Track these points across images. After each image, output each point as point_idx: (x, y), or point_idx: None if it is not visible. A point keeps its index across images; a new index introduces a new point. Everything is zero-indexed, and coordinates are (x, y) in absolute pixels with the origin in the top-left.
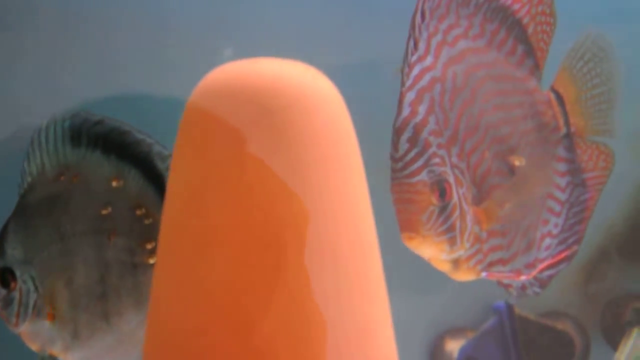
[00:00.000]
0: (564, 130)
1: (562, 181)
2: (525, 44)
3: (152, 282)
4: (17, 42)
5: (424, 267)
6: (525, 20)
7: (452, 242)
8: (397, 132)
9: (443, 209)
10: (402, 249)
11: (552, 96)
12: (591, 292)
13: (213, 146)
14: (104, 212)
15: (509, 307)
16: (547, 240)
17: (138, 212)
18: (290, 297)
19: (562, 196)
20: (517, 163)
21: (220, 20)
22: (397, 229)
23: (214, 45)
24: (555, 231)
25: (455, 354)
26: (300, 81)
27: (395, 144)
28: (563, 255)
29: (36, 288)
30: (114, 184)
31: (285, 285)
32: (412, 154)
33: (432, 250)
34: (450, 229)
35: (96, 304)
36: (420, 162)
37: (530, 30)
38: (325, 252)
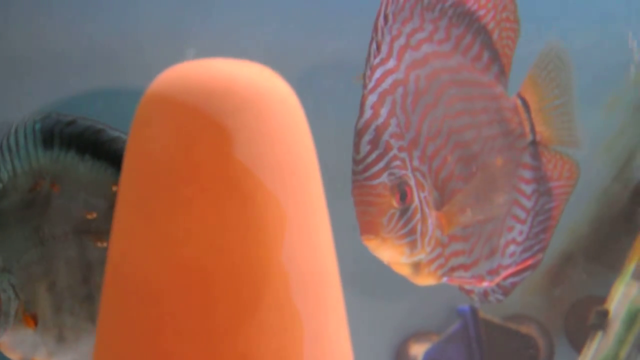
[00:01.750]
0: (529, 137)
1: (528, 188)
2: (491, 49)
3: (102, 295)
4: None
5: (387, 271)
6: (490, 26)
7: (412, 245)
8: (359, 134)
9: (404, 212)
10: (366, 254)
11: (519, 102)
12: (555, 295)
13: (163, 148)
14: (89, 216)
15: (474, 311)
16: (512, 247)
17: None
18: (232, 307)
19: (528, 204)
20: (498, 163)
21: (185, 20)
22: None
23: (177, 45)
24: (519, 238)
25: (420, 358)
26: (255, 82)
27: (356, 146)
28: (527, 263)
29: (17, 295)
30: (114, 188)
31: (230, 292)
32: (373, 156)
33: (391, 253)
34: (411, 233)
35: (81, 305)
36: (381, 165)
37: (495, 36)
38: (277, 257)
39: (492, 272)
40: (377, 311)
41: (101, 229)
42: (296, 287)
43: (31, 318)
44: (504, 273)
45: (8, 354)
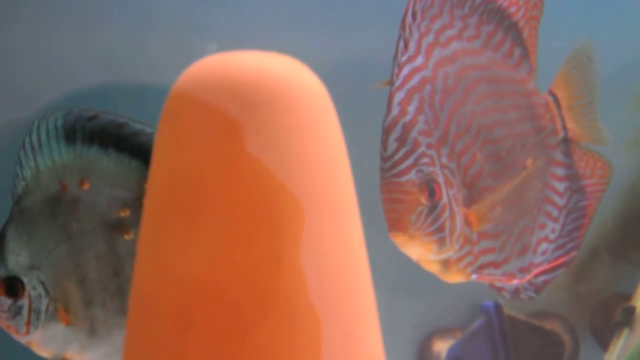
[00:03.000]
0: (561, 134)
1: (560, 186)
2: (522, 46)
3: (132, 286)
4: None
5: (412, 267)
6: (521, 24)
7: (441, 242)
8: (386, 132)
9: (432, 209)
10: (391, 250)
11: (550, 99)
12: (581, 292)
13: (194, 141)
14: (122, 214)
15: (498, 307)
16: (544, 245)
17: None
18: (270, 301)
19: (560, 201)
20: (527, 163)
21: (206, 14)
22: (387, 229)
23: (199, 40)
24: (552, 236)
25: (444, 354)
26: (284, 75)
27: (384, 143)
28: (560, 261)
29: (47, 292)
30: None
31: (266, 286)
32: (400, 153)
33: (420, 250)
34: (439, 230)
35: (112, 299)
36: (409, 162)
37: (525, 33)
38: (307, 250)
39: (524, 270)
40: (401, 307)
41: (128, 222)
42: (317, 285)
43: (63, 313)
44: (536, 271)
45: (39, 352)
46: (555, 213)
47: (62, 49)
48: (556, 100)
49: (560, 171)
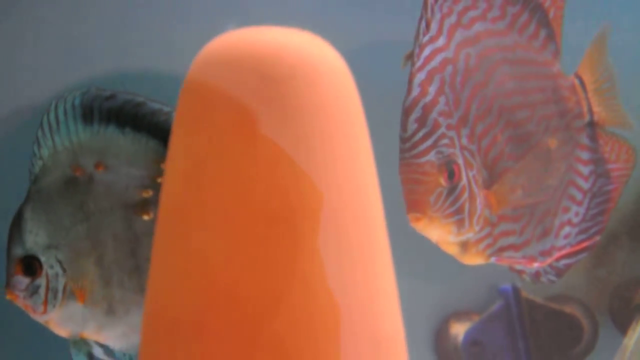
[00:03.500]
0: (587, 117)
1: (585, 170)
2: (547, 28)
3: (150, 266)
4: (19, 25)
5: (429, 249)
6: (546, 5)
7: (460, 224)
8: (406, 112)
9: (451, 190)
10: (408, 231)
11: (576, 82)
12: (600, 275)
13: (214, 117)
14: (145, 194)
15: (516, 290)
16: (567, 229)
17: (160, 181)
18: (287, 279)
19: (585, 185)
20: (553, 145)
21: None
22: (404, 210)
23: (216, 20)
24: (575, 220)
25: (461, 337)
26: (306, 50)
27: (403, 124)
28: (583, 245)
29: (64, 271)
30: (162, 166)
31: (284, 263)
32: (420, 134)
33: (439, 232)
34: (459, 211)
35: (130, 278)
36: (428, 143)
37: (551, 14)
38: (328, 227)
39: (545, 253)
40: (418, 290)
41: (146, 201)
42: (337, 267)
43: (81, 292)
44: (557, 254)
45: (57, 331)
46: (579, 197)
47: (79, 31)
48: (582, 83)
49: (585, 155)
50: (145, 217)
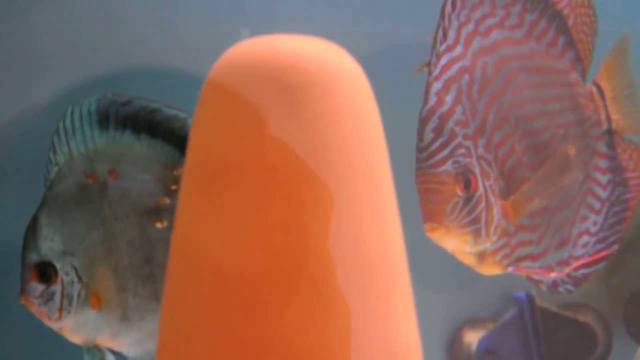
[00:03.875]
0: (605, 125)
1: (603, 178)
2: (566, 35)
3: (167, 265)
4: (25, 30)
5: (443, 256)
6: (565, 12)
7: (476, 234)
8: (423, 122)
9: (468, 200)
10: (422, 238)
11: (594, 90)
12: (614, 283)
13: (232, 124)
14: (162, 202)
15: (530, 298)
16: (585, 238)
17: (174, 188)
18: (313, 284)
19: (603, 194)
20: (571, 152)
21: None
22: (418, 218)
23: (230, 26)
24: (593, 229)
25: (474, 345)
26: (323, 58)
27: (420, 134)
28: (602, 254)
29: (79, 278)
30: (176, 172)
31: (308, 272)
32: (437, 143)
33: (455, 242)
34: (475, 221)
35: (144, 285)
36: (445, 152)
37: (570, 21)
38: (345, 236)
39: (562, 263)
40: (432, 297)
41: (160, 208)
42: (353, 270)
43: (95, 299)
44: (575, 264)
45: (70, 338)
46: (597, 205)
47: (93, 33)
48: (600, 90)
49: (603, 163)
50: (159, 225)
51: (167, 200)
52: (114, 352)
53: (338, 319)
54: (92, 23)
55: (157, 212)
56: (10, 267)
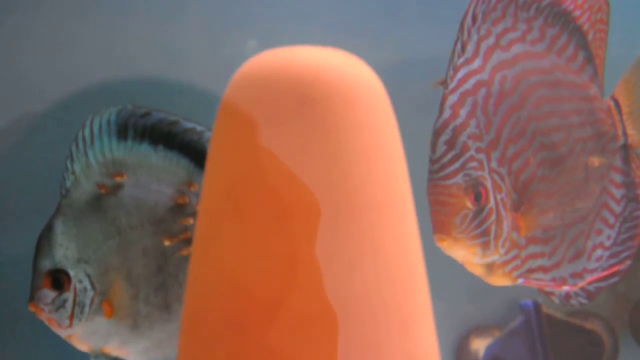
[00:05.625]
0: (622, 140)
1: (618, 193)
2: (586, 50)
3: (187, 275)
4: (24, 32)
5: (451, 264)
6: (585, 27)
7: (485, 246)
8: (436, 134)
9: (478, 212)
10: (431, 246)
11: (612, 104)
12: (620, 291)
13: (252, 136)
14: (180, 201)
15: (537, 306)
16: (599, 251)
17: (188, 201)
18: (325, 295)
19: (617, 208)
20: (596, 164)
21: (243, 12)
22: (426, 227)
23: (237, 37)
24: (607, 243)
25: (481, 353)
26: (342, 69)
27: (433, 146)
28: (615, 269)
29: (93, 286)
30: (192, 189)
31: (320, 283)
32: (448, 156)
33: (464, 253)
34: (485, 234)
35: (156, 294)
36: (456, 165)
37: (590, 37)
38: (366, 245)
39: (576, 276)
40: (439, 305)
41: (172, 226)
42: (373, 279)
43: (108, 307)
44: (589, 278)
45: (78, 345)
46: (611, 220)
47: (100, 45)
48: (618, 105)
49: (618, 177)
50: (167, 243)
51: (187, 199)
52: None
53: (323, 334)
54: (98, 35)
55: (170, 226)
56: (19, 277)
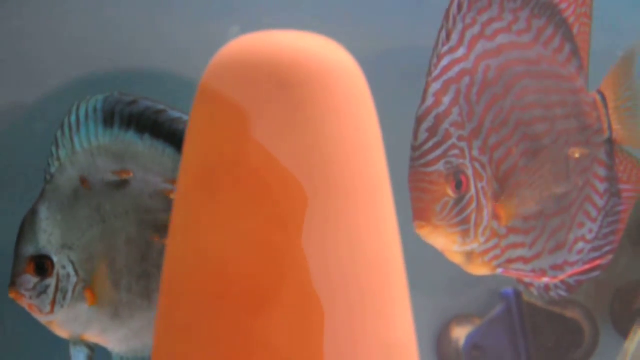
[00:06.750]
0: (607, 134)
1: (601, 187)
2: (572, 43)
3: (165, 258)
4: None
5: (431, 253)
6: (571, 20)
7: (465, 234)
8: (418, 121)
9: (458, 200)
10: (411, 235)
11: (598, 98)
12: (601, 279)
13: (228, 122)
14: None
15: (517, 294)
16: (581, 244)
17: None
18: (300, 280)
19: (600, 202)
20: (577, 155)
21: None
22: (409, 216)
23: (219, 24)
24: (589, 236)
25: (462, 341)
26: (321, 55)
27: (415, 133)
28: (596, 263)
29: (76, 272)
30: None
31: (296, 267)
32: (430, 143)
33: (443, 241)
34: (464, 222)
35: (138, 283)
36: (437, 152)
37: (575, 30)
38: (342, 230)
39: (556, 268)
40: (420, 294)
41: (160, 220)
42: (359, 264)
43: (91, 294)
44: (570, 270)
45: (58, 332)
46: (594, 213)
47: (83, 33)
48: (604, 99)
49: (602, 171)
50: (156, 240)
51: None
52: (91, 348)
53: (310, 323)
54: (82, 23)
55: (155, 216)
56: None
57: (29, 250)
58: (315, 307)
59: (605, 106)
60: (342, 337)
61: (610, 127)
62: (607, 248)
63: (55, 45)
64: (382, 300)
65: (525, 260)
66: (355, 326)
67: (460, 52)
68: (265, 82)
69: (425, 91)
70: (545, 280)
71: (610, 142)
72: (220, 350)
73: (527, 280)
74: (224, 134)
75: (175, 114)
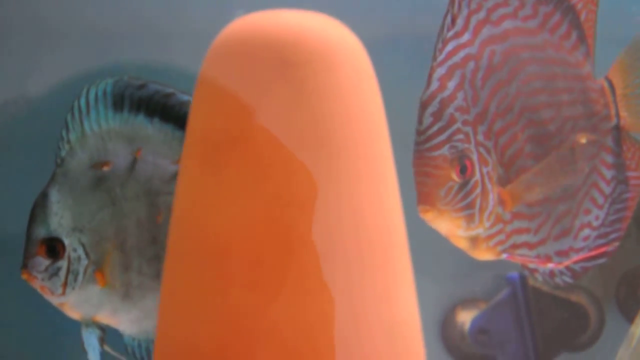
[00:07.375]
0: (614, 121)
1: (608, 174)
2: (579, 29)
3: (168, 238)
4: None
5: (437, 237)
6: (578, 7)
7: (469, 219)
8: (423, 106)
9: (463, 185)
10: (417, 219)
11: (606, 85)
12: (606, 264)
13: (232, 101)
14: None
15: (523, 278)
16: (586, 231)
17: None
18: (304, 258)
19: (607, 189)
20: (583, 141)
21: None
22: (412, 200)
23: (224, 7)
24: (595, 223)
25: (467, 325)
26: (324, 33)
27: (420, 117)
28: (602, 250)
29: (87, 254)
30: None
31: (300, 245)
32: (435, 128)
33: (448, 226)
34: (469, 206)
35: (149, 265)
36: (442, 137)
37: (582, 17)
38: (345, 209)
39: (561, 254)
40: (425, 277)
41: (170, 202)
42: (364, 246)
43: (101, 276)
44: (575, 257)
45: (70, 313)
46: (600, 200)
47: (98, 16)
48: (611, 86)
49: (609, 158)
50: (159, 220)
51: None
52: (103, 329)
53: (319, 310)
54: (94, 5)
55: (165, 199)
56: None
57: (41, 232)
58: (319, 285)
59: (613, 93)
60: (345, 315)
61: (617, 114)
62: (614, 235)
63: (66, 29)
64: (385, 280)
65: (530, 245)
66: (358, 305)
67: (465, 37)
68: (269, 60)
69: (430, 76)
70: (550, 266)
71: (618, 129)
72: (225, 330)
73: (531, 265)
74: (228, 111)
75: (184, 97)
